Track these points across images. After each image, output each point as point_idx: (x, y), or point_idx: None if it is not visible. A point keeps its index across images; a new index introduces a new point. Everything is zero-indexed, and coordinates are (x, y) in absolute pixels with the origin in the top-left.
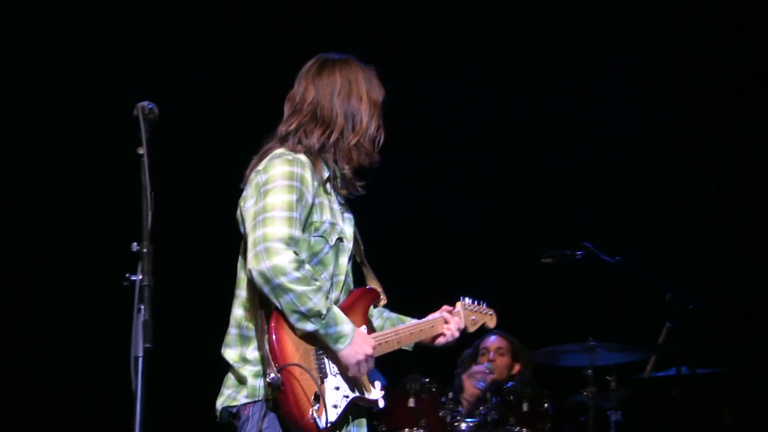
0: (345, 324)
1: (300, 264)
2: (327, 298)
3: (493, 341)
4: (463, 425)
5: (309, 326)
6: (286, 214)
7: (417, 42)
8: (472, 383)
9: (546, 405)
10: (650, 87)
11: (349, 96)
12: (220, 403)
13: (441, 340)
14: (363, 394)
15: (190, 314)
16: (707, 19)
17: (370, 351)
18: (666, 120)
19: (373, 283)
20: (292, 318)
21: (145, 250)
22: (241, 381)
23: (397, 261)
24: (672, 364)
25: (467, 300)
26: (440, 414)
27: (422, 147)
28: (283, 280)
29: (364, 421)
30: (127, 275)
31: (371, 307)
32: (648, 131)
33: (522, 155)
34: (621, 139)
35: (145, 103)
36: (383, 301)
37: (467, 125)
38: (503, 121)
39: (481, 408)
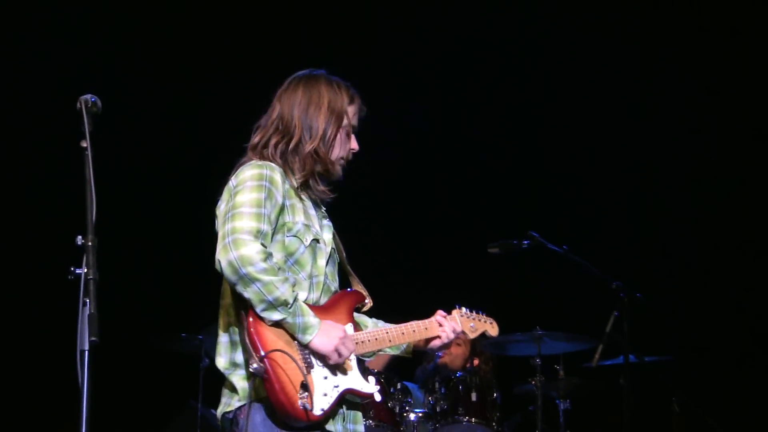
0: (311, 316)
1: (267, 255)
2: (294, 290)
3: None
4: (412, 416)
5: (276, 315)
6: (255, 210)
7: (366, 42)
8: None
9: (494, 395)
10: (592, 78)
11: (308, 106)
12: (219, 411)
13: (436, 343)
14: (356, 387)
15: (136, 307)
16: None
17: (341, 333)
18: (610, 110)
19: (358, 288)
20: (260, 308)
21: (89, 244)
22: (234, 386)
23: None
24: (619, 352)
25: (464, 309)
26: (389, 405)
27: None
28: (250, 269)
29: (359, 415)
30: (72, 269)
31: (357, 310)
32: (593, 120)
33: (468, 146)
34: (567, 128)
35: (88, 96)
36: (369, 304)
37: (411, 116)
38: (448, 111)
39: (429, 398)
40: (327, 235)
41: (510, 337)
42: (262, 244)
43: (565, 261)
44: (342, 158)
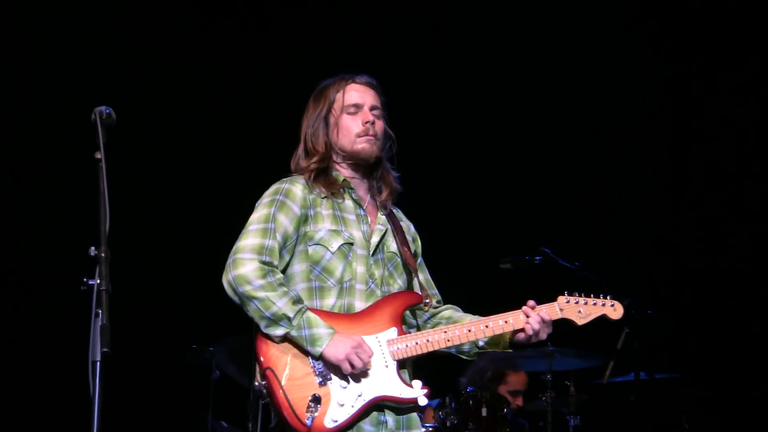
0: (321, 327)
1: (267, 272)
2: (296, 303)
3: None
4: (422, 430)
5: (279, 330)
6: (262, 226)
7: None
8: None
9: (505, 410)
10: (605, 94)
11: (306, 112)
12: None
13: (521, 336)
14: (391, 393)
15: (147, 318)
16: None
17: (354, 343)
18: (623, 125)
19: (417, 288)
20: (262, 324)
21: (102, 255)
22: None
23: None
24: (630, 369)
25: (575, 294)
26: None
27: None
28: (247, 288)
29: (414, 419)
30: (85, 279)
31: (408, 309)
32: (607, 138)
33: (480, 161)
34: (580, 145)
35: (102, 108)
36: (430, 303)
37: (424, 128)
38: (461, 126)
39: (440, 413)
40: (375, 237)
41: (521, 352)
42: (264, 261)
43: (577, 277)
44: (358, 135)
